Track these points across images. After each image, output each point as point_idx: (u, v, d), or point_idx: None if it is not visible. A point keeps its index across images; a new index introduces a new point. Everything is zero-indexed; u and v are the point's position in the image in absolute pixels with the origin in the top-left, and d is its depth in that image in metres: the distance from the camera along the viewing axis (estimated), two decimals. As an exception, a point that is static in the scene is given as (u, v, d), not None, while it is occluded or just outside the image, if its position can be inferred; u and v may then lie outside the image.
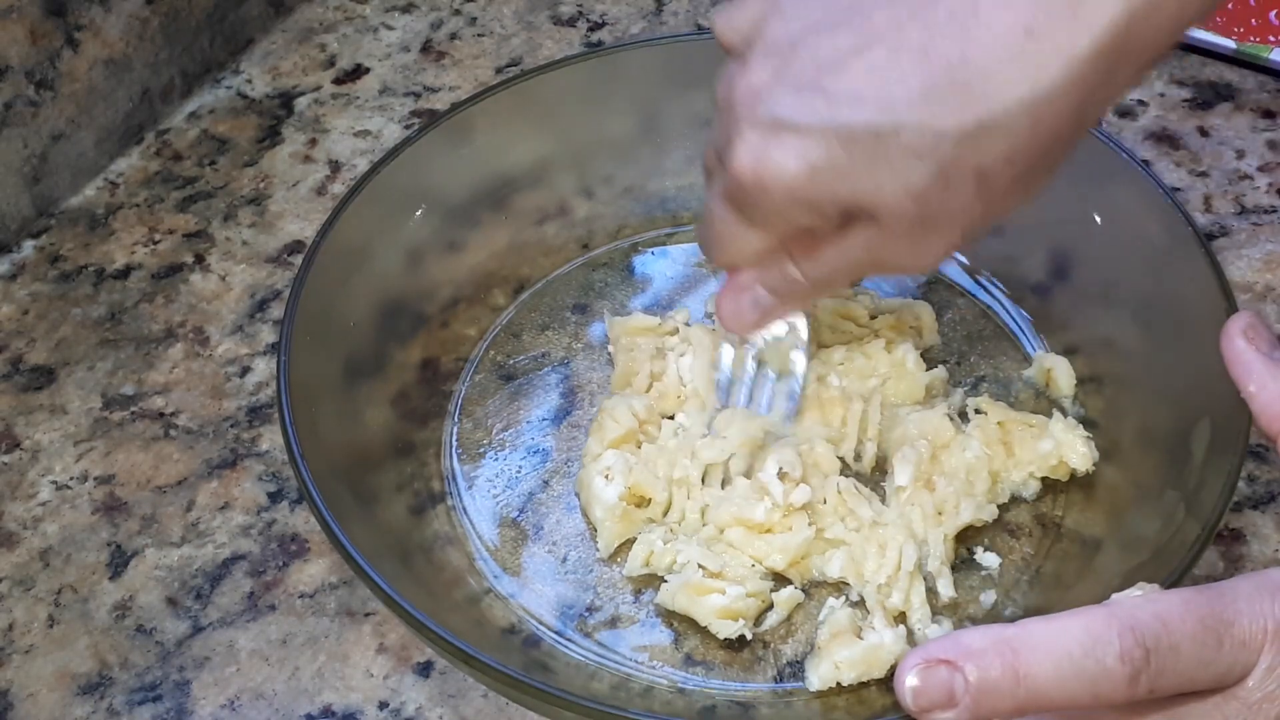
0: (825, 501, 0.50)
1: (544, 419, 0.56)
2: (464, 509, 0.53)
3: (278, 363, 0.49)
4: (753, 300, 0.48)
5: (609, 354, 0.57)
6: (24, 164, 0.65)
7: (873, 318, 0.57)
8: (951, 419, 0.52)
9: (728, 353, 0.54)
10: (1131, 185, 0.54)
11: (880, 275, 0.54)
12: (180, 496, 0.55)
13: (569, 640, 0.48)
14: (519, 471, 0.54)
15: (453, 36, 0.77)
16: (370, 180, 0.55)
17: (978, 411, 0.53)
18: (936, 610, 0.48)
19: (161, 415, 0.58)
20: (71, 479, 0.56)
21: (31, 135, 0.64)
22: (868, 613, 0.48)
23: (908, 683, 0.35)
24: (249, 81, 0.74)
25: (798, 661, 0.48)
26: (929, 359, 0.56)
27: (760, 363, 0.53)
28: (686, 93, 0.62)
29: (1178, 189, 0.65)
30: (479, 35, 0.77)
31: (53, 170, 0.66)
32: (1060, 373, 0.55)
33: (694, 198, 0.63)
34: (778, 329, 0.52)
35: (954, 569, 0.50)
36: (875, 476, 0.53)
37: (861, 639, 0.46)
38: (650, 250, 0.62)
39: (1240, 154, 0.67)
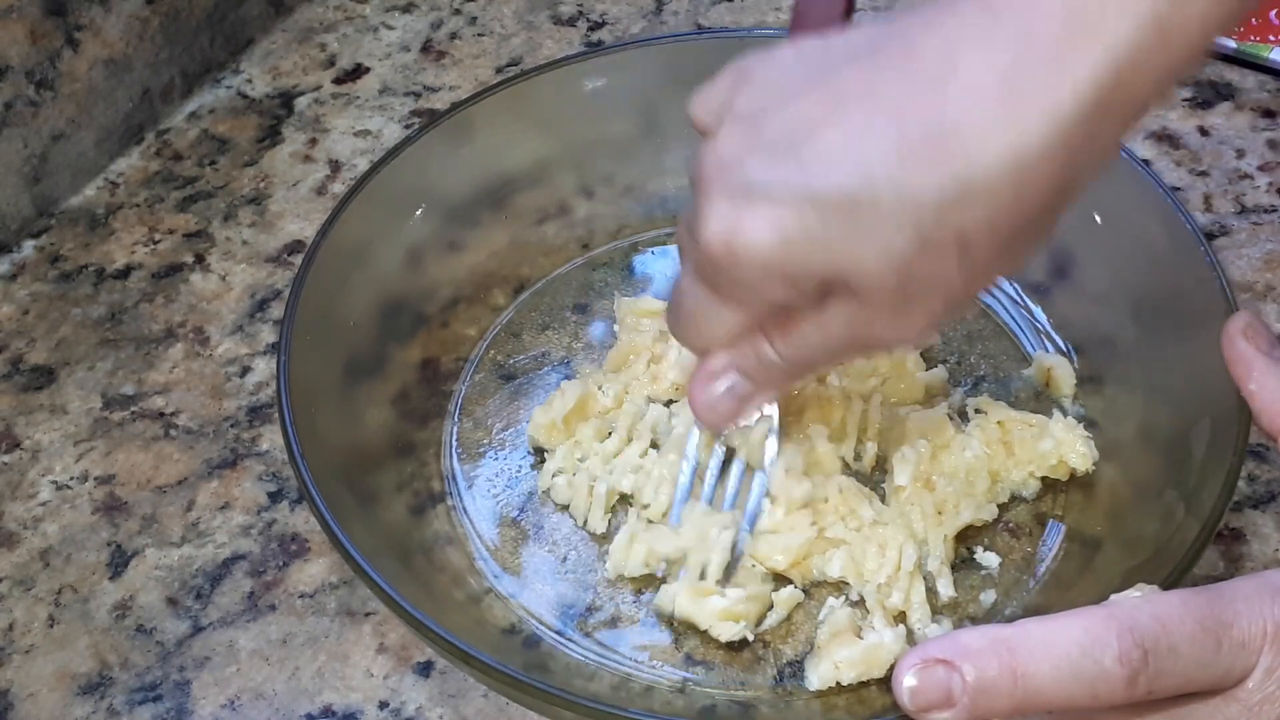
0: (827, 500, 0.50)
1: (544, 419, 0.56)
2: (464, 509, 0.53)
3: (278, 363, 0.49)
4: (727, 388, 0.45)
5: (609, 353, 0.57)
6: (24, 164, 0.65)
7: None
8: (951, 419, 0.52)
9: (694, 437, 0.51)
10: (1131, 185, 0.54)
11: (861, 354, 0.51)
12: (180, 496, 0.55)
13: (569, 640, 0.48)
14: (519, 471, 0.54)
15: (453, 36, 0.77)
16: (370, 180, 0.55)
17: (978, 411, 0.53)
18: (937, 610, 0.48)
19: (161, 415, 0.58)
20: (71, 479, 0.56)
21: (31, 135, 0.64)
22: (867, 612, 0.48)
23: (905, 683, 0.35)
24: (249, 81, 0.74)
25: (798, 661, 0.48)
26: (929, 359, 0.56)
27: (729, 450, 0.51)
28: (686, 93, 0.61)
29: (1178, 189, 0.65)
30: (479, 35, 0.77)
31: (53, 170, 0.66)
32: (1060, 373, 0.55)
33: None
34: (749, 417, 0.49)
35: (954, 569, 0.50)
36: (875, 476, 0.53)
37: (861, 638, 0.46)
38: (650, 250, 0.62)
39: (1240, 153, 0.67)
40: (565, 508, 0.52)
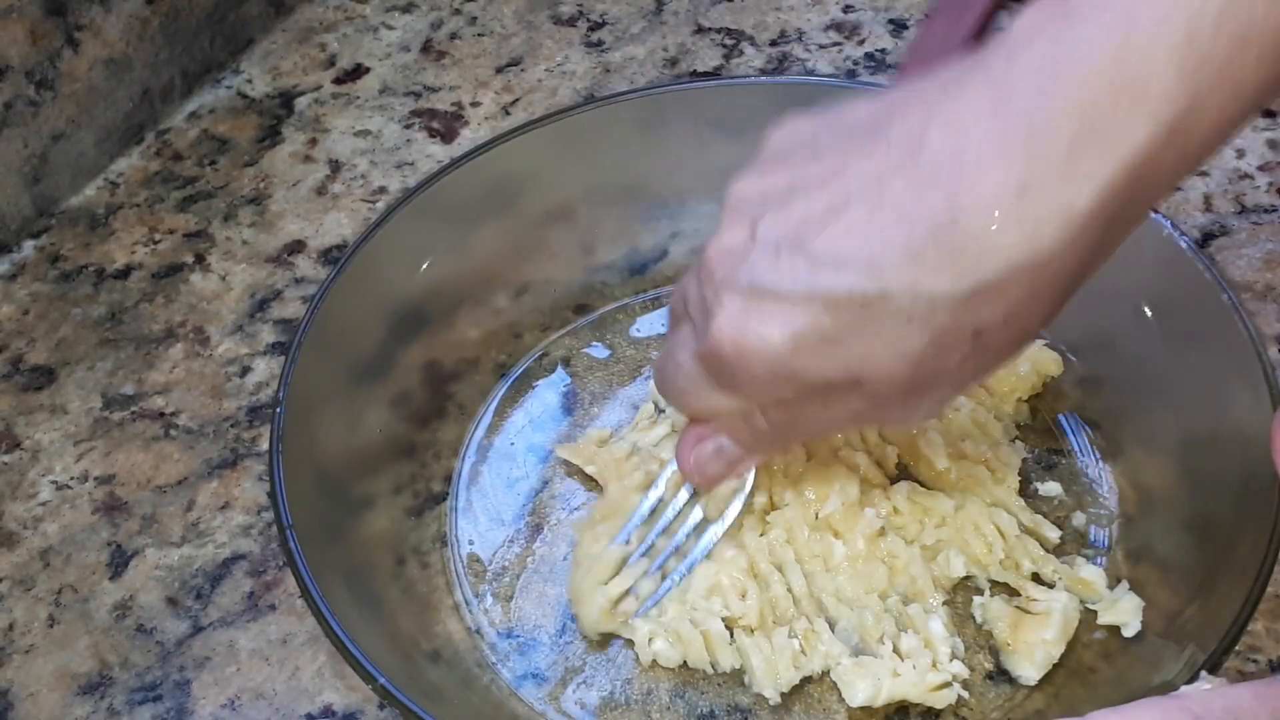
0: (897, 512, 0.50)
1: (544, 420, 0.56)
2: (463, 510, 0.53)
3: (279, 381, 0.49)
4: (716, 450, 0.44)
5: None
6: (24, 164, 0.65)
7: None
8: None
9: (668, 473, 0.49)
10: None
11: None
12: (180, 496, 0.55)
13: (567, 643, 0.49)
14: (519, 473, 0.54)
15: (453, 36, 0.77)
16: (401, 208, 0.55)
17: None
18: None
19: (161, 415, 0.58)
20: (72, 479, 0.56)
21: (31, 135, 0.64)
22: (1014, 593, 0.48)
23: None
24: (249, 81, 0.74)
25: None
26: None
27: (695, 494, 0.49)
28: (690, 96, 0.62)
29: (1178, 188, 0.65)
30: (479, 35, 0.77)
31: (53, 170, 0.66)
32: None
33: (694, 199, 0.63)
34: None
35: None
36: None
37: (1034, 613, 0.47)
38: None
39: (1240, 153, 0.67)
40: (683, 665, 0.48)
